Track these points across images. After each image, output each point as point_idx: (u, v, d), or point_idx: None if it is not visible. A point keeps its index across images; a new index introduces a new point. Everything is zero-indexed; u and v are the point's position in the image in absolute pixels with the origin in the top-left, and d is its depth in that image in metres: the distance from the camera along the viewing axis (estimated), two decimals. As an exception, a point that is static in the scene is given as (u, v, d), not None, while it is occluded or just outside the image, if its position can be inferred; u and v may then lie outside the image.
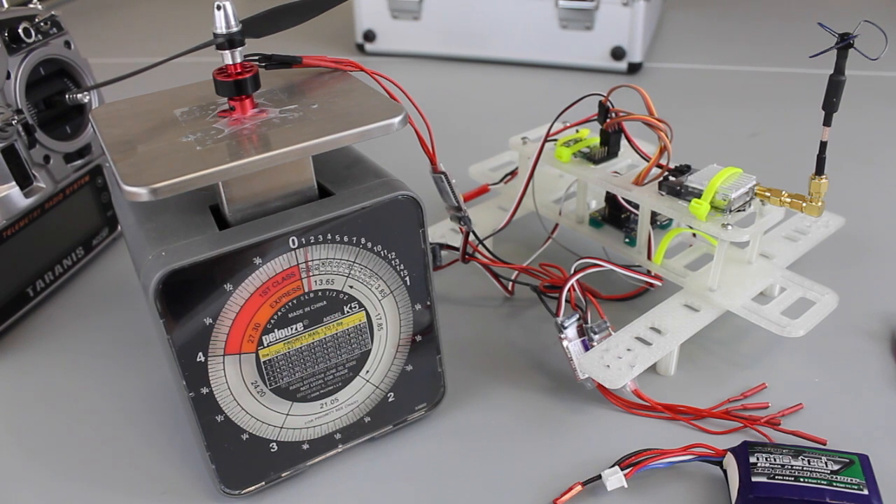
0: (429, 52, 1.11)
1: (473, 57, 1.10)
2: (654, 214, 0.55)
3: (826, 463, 0.40)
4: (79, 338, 0.57)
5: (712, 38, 1.15)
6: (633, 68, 1.03)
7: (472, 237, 0.54)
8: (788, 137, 0.82)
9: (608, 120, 0.55)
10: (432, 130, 0.44)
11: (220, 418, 0.39)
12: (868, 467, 0.40)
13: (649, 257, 0.54)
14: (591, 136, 0.59)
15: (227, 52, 0.37)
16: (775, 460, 0.40)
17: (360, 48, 1.15)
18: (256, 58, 0.41)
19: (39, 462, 0.47)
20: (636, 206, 0.55)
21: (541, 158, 0.56)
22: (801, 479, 0.39)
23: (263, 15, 0.41)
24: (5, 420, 0.50)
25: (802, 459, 0.40)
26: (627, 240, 0.56)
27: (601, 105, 0.55)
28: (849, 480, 0.39)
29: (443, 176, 0.47)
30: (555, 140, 0.58)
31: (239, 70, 0.38)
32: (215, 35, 0.37)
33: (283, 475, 0.43)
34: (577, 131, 0.59)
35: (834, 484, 0.39)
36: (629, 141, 0.56)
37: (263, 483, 0.43)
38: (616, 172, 0.56)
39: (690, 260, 0.55)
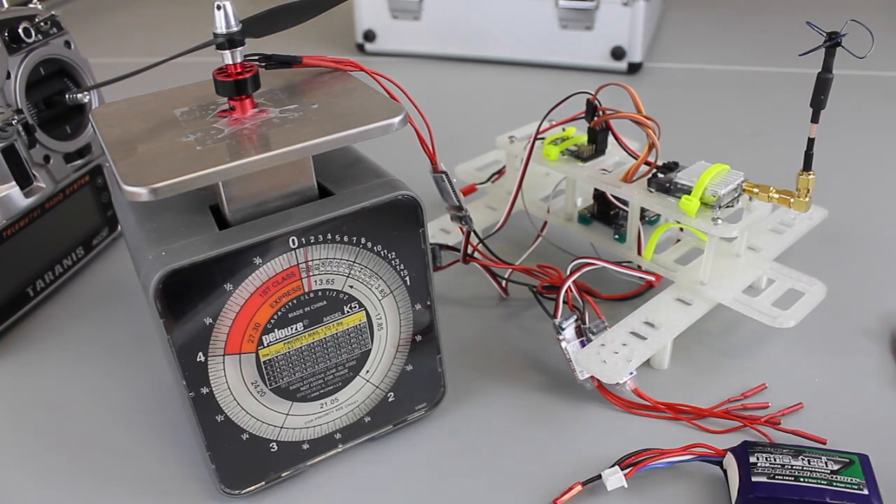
0: (429, 52, 1.11)
1: (473, 57, 1.10)
2: (641, 210, 0.55)
3: (826, 463, 0.40)
4: (79, 338, 0.57)
5: (712, 38, 1.15)
6: (633, 68, 1.03)
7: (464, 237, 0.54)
8: (789, 137, 0.82)
9: (596, 118, 0.55)
10: (432, 130, 0.44)
11: (220, 418, 0.39)
12: (868, 467, 0.40)
13: (640, 253, 0.54)
14: (577, 134, 0.59)
15: (227, 52, 0.37)
16: (775, 460, 0.40)
17: (360, 48, 1.15)
18: (256, 58, 0.41)
19: (39, 462, 0.47)
20: (625, 203, 0.55)
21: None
22: (802, 479, 0.39)
23: (263, 15, 0.41)
24: (5, 420, 0.50)
25: (802, 459, 0.40)
26: (617, 236, 0.56)
27: (589, 103, 0.55)
28: (849, 480, 0.39)
29: (443, 175, 0.47)
30: (542, 139, 0.58)
31: (239, 70, 0.38)
32: (215, 35, 0.37)
33: (283, 475, 0.43)
34: (564, 129, 0.59)
35: (834, 484, 0.39)
36: (617, 138, 0.56)
37: (263, 483, 0.43)
38: (604, 170, 0.56)
39: (680, 255, 0.55)
